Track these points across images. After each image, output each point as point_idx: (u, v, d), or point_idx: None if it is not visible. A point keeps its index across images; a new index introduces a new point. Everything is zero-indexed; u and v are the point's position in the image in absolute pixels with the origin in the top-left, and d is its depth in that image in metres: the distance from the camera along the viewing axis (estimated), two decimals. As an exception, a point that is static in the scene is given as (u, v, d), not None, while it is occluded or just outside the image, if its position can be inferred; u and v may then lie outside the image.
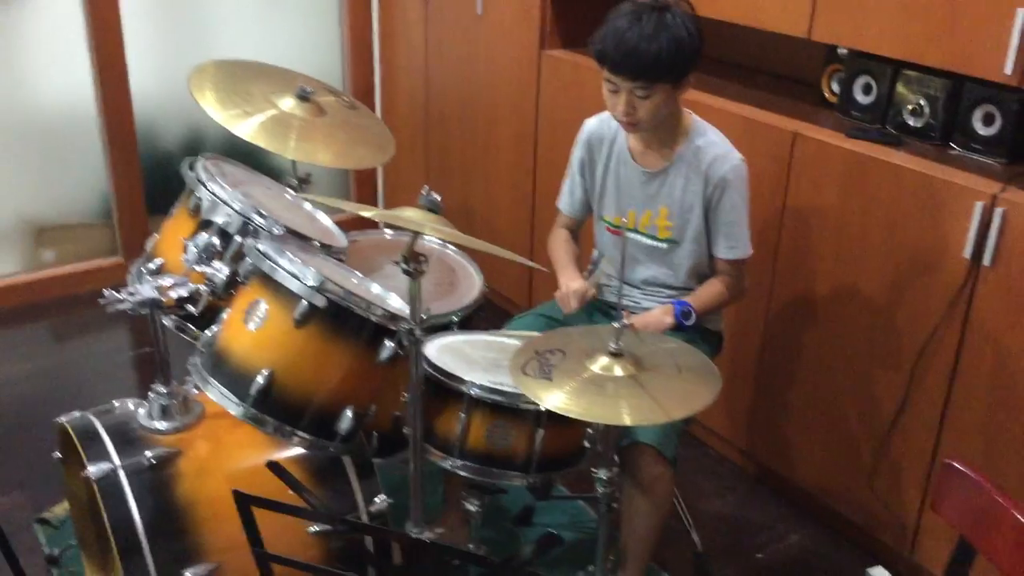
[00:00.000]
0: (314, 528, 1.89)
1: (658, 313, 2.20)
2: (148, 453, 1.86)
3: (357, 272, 2.07)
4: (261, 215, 2.04)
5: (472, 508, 2.07)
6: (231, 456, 1.94)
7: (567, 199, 2.40)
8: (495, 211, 3.58)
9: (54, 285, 3.73)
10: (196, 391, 1.98)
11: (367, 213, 1.65)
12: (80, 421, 1.96)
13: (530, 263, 1.79)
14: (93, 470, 1.82)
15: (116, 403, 2.05)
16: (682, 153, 2.18)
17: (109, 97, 3.59)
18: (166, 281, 1.90)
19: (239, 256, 1.95)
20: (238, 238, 1.99)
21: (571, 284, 2.19)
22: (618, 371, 1.73)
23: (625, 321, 1.76)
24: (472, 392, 1.92)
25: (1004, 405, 2.15)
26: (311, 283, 1.74)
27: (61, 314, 3.66)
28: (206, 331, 1.89)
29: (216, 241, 2.00)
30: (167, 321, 2.03)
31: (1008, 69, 2.00)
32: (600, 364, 1.75)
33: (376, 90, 4.15)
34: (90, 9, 3.46)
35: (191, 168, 2.14)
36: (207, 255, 1.98)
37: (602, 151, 2.29)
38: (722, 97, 2.67)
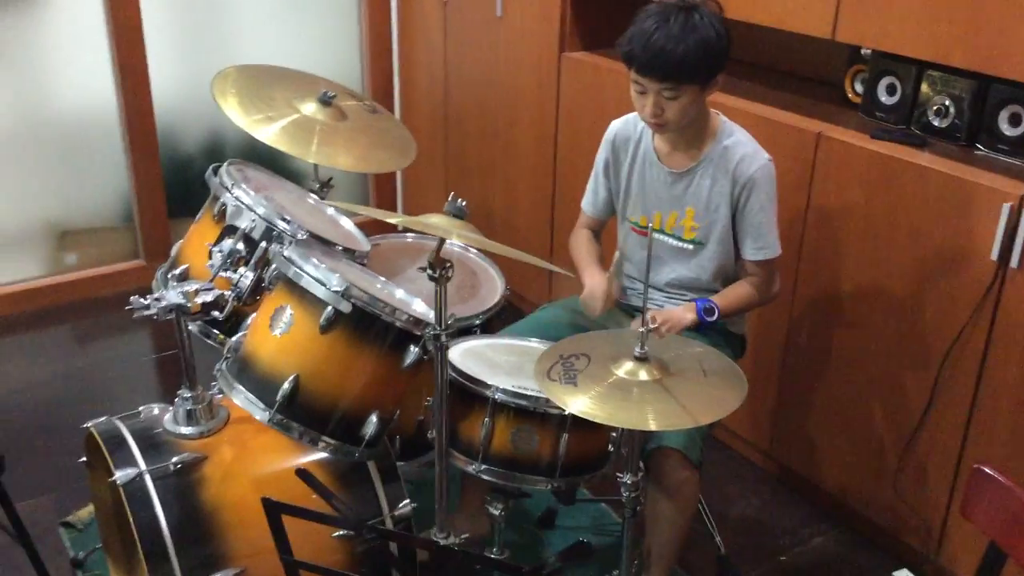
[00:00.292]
0: (338, 532, 1.89)
1: (680, 310, 2.19)
2: (174, 458, 1.86)
3: (381, 277, 2.07)
4: (285, 220, 2.04)
5: (496, 512, 2.07)
6: (256, 461, 1.94)
7: (591, 199, 2.40)
8: (515, 213, 3.58)
9: (76, 288, 3.75)
10: (221, 396, 1.98)
11: (393, 220, 1.65)
12: (106, 426, 1.97)
13: (560, 269, 1.79)
14: (120, 475, 1.83)
15: (142, 408, 2.07)
16: (709, 153, 2.17)
17: (130, 101, 3.61)
18: (191, 287, 1.90)
19: (264, 262, 1.96)
20: (263, 244, 1.99)
21: (596, 289, 2.18)
22: (644, 375, 1.73)
23: (650, 324, 1.75)
24: (496, 396, 1.92)
25: (1032, 408, 2.13)
26: (336, 289, 1.74)
27: (84, 317, 3.68)
28: (231, 337, 1.90)
29: (241, 247, 2.01)
30: (192, 326, 2.03)
31: (1037, 69, 1.98)
32: (625, 369, 1.74)
33: (395, 92, 4.16)
34: (112, 13, 3.48)
35: (215, 174, 2.15)
36: (232, 261, 1.99)
37: (628, 151, 2.28)
38: (745, 99, 2.66)
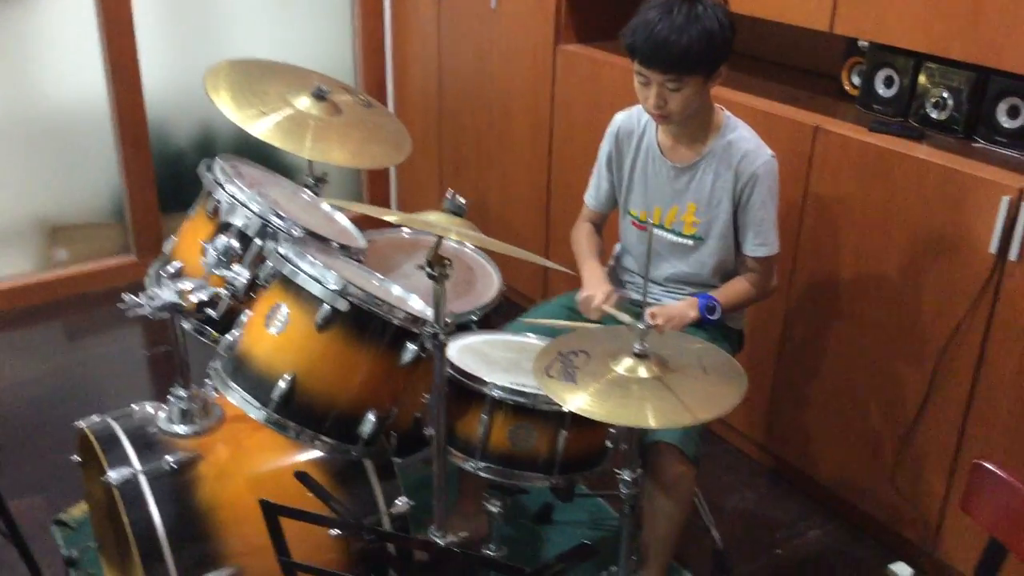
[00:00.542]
0: (335, 531, 1.88)
1: (682, 306, 2.18)
2: (168, 458, 1.85)
3: (377, 273, 2.05)
4: (280, 217, 2.02)
5: (494, 509, 2.06)
6: (252, 460, 1.93)
7: (593, 192, 2.38)
8: (510, 207, 3.56)
9: (67, 284, 3.72)
10: (215, 394, 1.97)
11: (390, 218, 1.64)
12: (99, 425, 1.95)
13: (559, 267, 1.77)
14: (114, 475, 1.81)
15: (135, 407, 2.05)
16: (712, 148, 2.16)
17: (121, 96, 3.58)
18: (186, 285, 1.89)
19: (259, 259, 1.94)
20: (257, 241, 1.97)
21: (595, 295, 2.16)
22: (643, 372, 1.71)
23: (649, 320, 1.74)
24: (494, 393, 1.91)
25: (1030, 402, 2.13)
26: (333, 287, 1.72)
27: (75, 313, 3.65)
28: (226, 335, 1.88)
29: (235, 244, 1.99)
30: (186, 324, 2.01)
31: (1035, 62, 1.97)
32: (625, 366, 1.73)
33: (388, 86, 4.13)
34: (103, 7, 3.45)
35: (208, 170, 2.13)
36: (226, 258, 1.97)
37: (631, 145, 2.27)
38: (742, 91, 2.65)
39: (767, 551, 2.58)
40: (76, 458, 2.09)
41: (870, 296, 2.40)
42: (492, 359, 2.07)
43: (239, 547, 1.85)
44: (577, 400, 1.65)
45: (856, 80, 2.61)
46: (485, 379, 1.92)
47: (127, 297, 1.85)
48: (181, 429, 1.93)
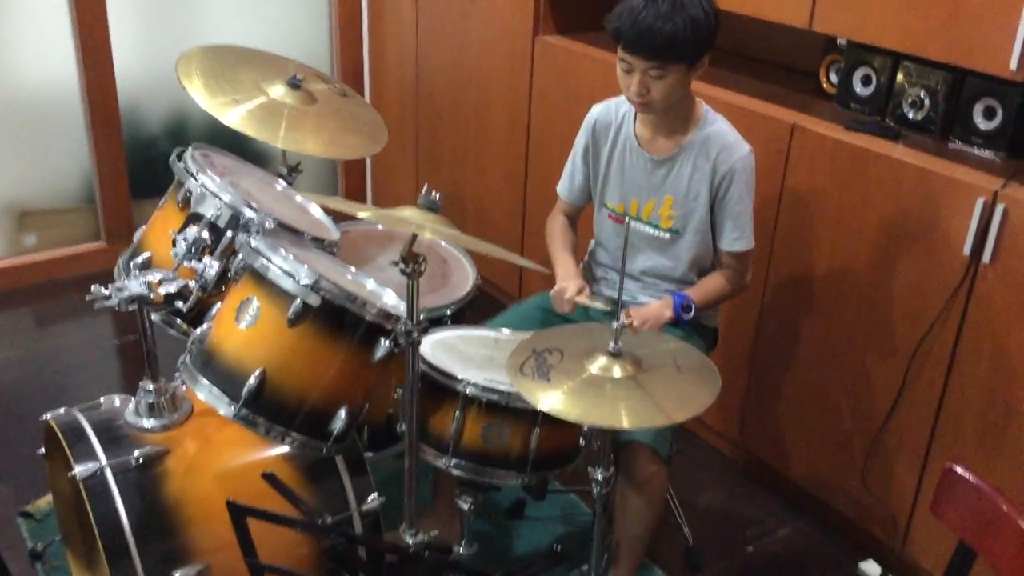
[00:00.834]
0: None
1: (657, 306, 2.17)
2: (135, 452, 1.82)
3: (351, 267, 2.03)
4: (252, 208, 1.99)
5: (465, 506, 2.04)
6: (220, 454, 1.90)
7: (567, 185, 2.37)
8: (487, 198, 3.54)
9: (37, 270, 3.66)
10: (184, 387, 1.94)
11: (364, 214, 1.61)
12: (65, 418, 1.92)
13: (535, 266, 1.76)
14: (80, 469, 1.78)
15: (103, 399, 2.02)
16: (691, 141, 2.15)
17: (92, 80, 3.52)
18: (154, 276, 1.85)
19: (230, 251, 1.91)
20: (229, 232, 1.94)
21: (568, 287, 2.15)
22: (617, 372, 1.70)
23: (624, 320, 1.73)
24: (467, 391, 1.89)
25: (1000, 403, 2.13)
26: (305, 282, 1.70)
27: (44, 300, 3.60)
28: (194, 327, 1.85)
29: (206, 235, 1.96)
30: (154, 316, 1.98)
31: (1013, 65, 1.97)
32: (599, 364, 1.71)
33: (365, 74, 4.09)
34: (73, -11, 3.39)
35: (180, 158, 2.09)
36: (196, 249, 1.93)
37: (608, 136, 2.25)
38: (720, 87, 2.64)
39: (738, 548, 2.58)
40: (42, 451, 2.05)
41: (844, 294, 2.40)
42: (466, 355, 2.05)
43: (207, 543, 1.83)
44: (550, 400, 1.64)
45: (834, 78, 2.61)
46: (458, 376, 1.91)
47: (94, 288, 1.82)
48: (149, 423, 1.90)
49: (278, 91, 2.39)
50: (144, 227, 2.13)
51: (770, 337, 2.63)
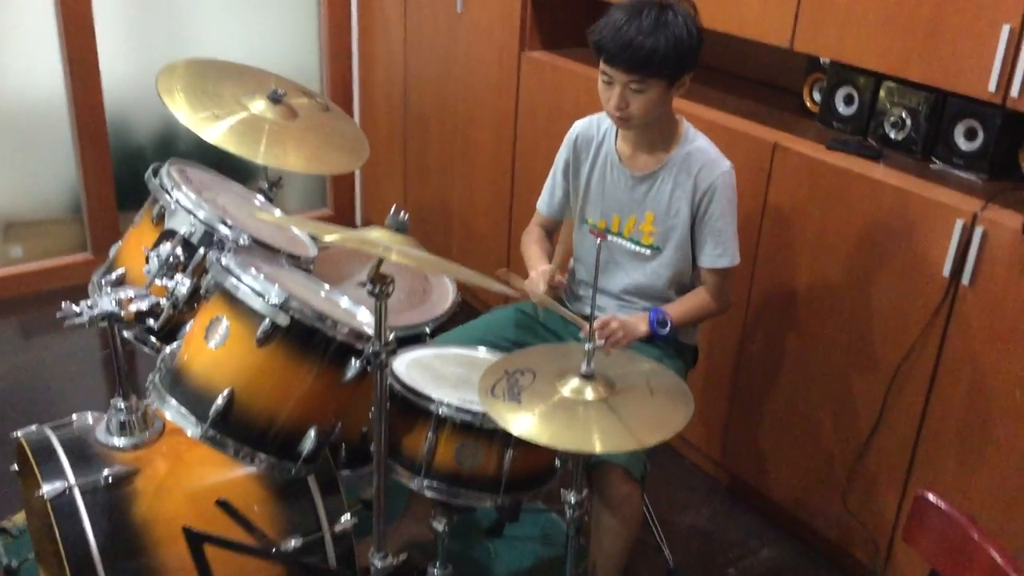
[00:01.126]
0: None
1: (633, 319, 2.16)
2: (104, 471, 1.80)
3: (326, 284, 2.01)
4: (227, 225, 1.98)
5: (439, 527, 2.03)
6: (191, 474, 1.88)
7: (546, 199, 2.36)
8: (473, 212, 3.53)
9: (22, 281, 3.65)
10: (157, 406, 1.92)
11: (330, 238, 1.59)
12: (36, 435, 1.90)
13: (507, 290, 1.74)
14: (47, 488, 1.76)
15: (75, 416, 2.00)
16: (672, 158, 2.14)
17: (79, 91, 3.51)
18: (126, 293, 1.84)
19: (202, 268, 1.90)
20: (201, 249, 1.93)
21: (539, 268, 2.16)
22: (589, 394, 1.69)
23: (599, 326, 1.72)
24: (440, 411, 1.88)
25: (978, 426, 2.12)
26: (274, 301, 1.68)
27: (29, 311, 3.58)
28: (168, 344, 1.83)
29: (179, 252, 1.94)
30: (127, 333, 1.97)
31: (992, 87, 1.96)
32: (571, 386, 1.70)
33: (354, 88, 4.08)
34: (61, 2, 3.38)
35: (155, 174, 2.08)
36: (169, 267, 1.92)
37: (589, 152, 2.25)
38: (703, 104, 2.63)
39: (719, 570, 2.56)
40: (15, 468, 2.04)
41: (825, 315, 2.39)
42: (441, 374, 2.03)
43: (175, 563, 1.80)
44: (520, 422, 1.63)
45: (817, 96, 2.60)
46: (431, 396, 1.89)
47: (64, 306, 1.81)
48: (119, 441, 1.88)
49: (259, 106, 2.39)
50: (120, 243, 2.11)
51: (753, 356, 2.62)
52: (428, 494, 1.92)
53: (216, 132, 2.26)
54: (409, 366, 2.04)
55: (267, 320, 1.69)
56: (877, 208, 2.22)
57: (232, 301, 1.72)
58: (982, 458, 2.13)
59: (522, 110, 3.18)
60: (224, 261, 1.74)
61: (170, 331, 1.96)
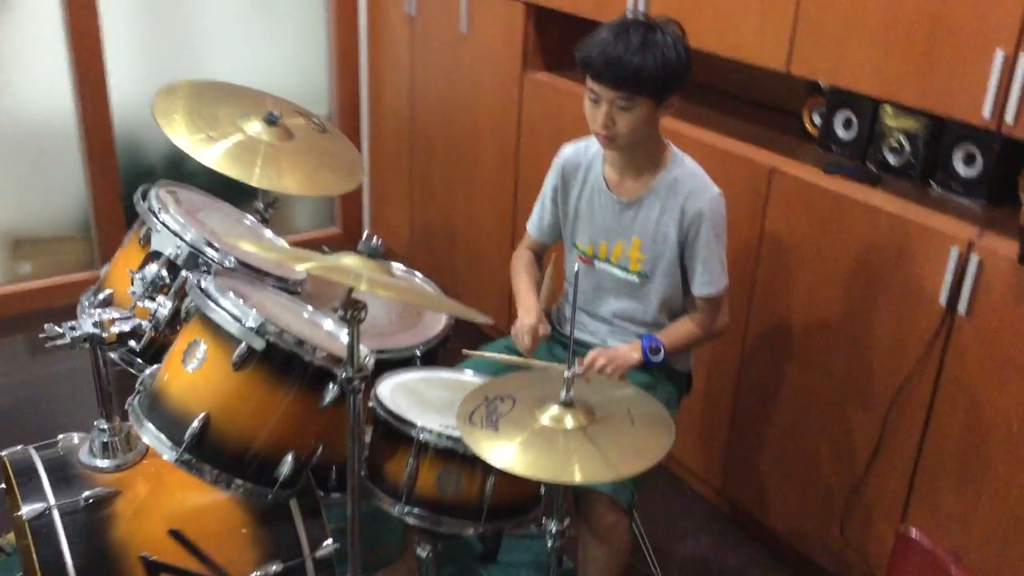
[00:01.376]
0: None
1: (625, 348, 2.13)
2: (85, 492, 1.80)
3: (309, 307, 2.00)
4: (213, 247, 1.98)
5: (423, 554, 2.00)
6: (172, 497, 1.88)
7: (536, 223, 2.34)
8: (477, 232, 3.52)
9: (31, 298, 3.68)
10: (140, 428, 1.92)
11: (302, 266, 1.58)
12: (20, 455, 1.91)
13: (482, 319, 1.72)
14: (26, 509, 1.76)
15: (61, 437, 2.00)
16: (659, 184, 2.12)
17: (88, 109, 3.55)
18: (110, 315, 1.84)
19: (184, 291, 1.90)
20: (183, 272, 1.93)
21: (525, 320, 2.13)
22: (569, 422, 1.66)
23: (577, 370, 1.70)
24: (421, 436, 1.86)
25: (976, 459, 2.07)
26: (250, 325, 1.68)
27: (37, 328, 3.55)
28: (146, 369, 1.83)
29: (165, 273, 1.95)
30: (113, 354, 1.97)
31: (986, 112, 1.92)
32: (550, 414, 1.68)
33: (363, 107, 4.10)
34: (70, 22, 3.42)
35: (144, 196, 2.09)
36: (153, 288, 1.92)
37: (577, 178, 2.23)
38: (701, 127, 2.61)
39: (716, 599, 2.53)
40: (2, 486, 2.04)
41: (822, 342, 2.35)
42: (426, 399, 2.02)
43: (153, 587, 1.80)
44: (497, 451, 1.60)
45: (817, 120, 2.57)
46: (413, 421, 1.88)
47: (47, 327, 1.82)
48: (102, 463, 1.88)
49: (255, 127, 2.39)
50: (109, 264, 2.12)
51: (752, 383, 2.58)
52: (410, 520, 1.91)
53: (211, 154, 2.26)
54: (394, 390, 2.02)
55: (243, 344, 1.68)
56: (873, 234, 2.18)
57: (209, 325, 1.71)
58: (980, 491, 2.08)
59: (524, 131, 3.17)
60: (203, 284, 1.74)
61: (155, 353, 1.96)
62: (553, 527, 1.82)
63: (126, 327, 1.83)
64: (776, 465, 2.56)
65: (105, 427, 1.89)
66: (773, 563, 2.64)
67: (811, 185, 2.30)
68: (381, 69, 3.92)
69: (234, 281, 1.86)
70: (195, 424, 1.68)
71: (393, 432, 1.90)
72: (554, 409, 1.68)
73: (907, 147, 2.28)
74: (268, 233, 2.31)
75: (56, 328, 1.81)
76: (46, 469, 1.86)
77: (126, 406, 1.82)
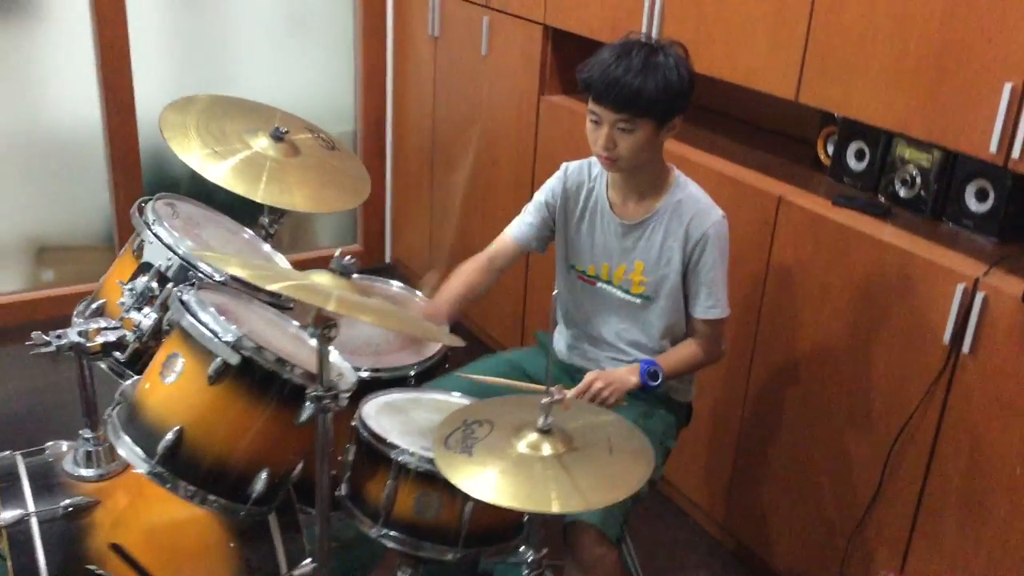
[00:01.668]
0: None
1: (623, 371, 2.09)
2: (64, 501, 1.80)
3: (295, 323, 1.99)
4: (204, 260, 1.98)
5: (403, 578, 1.98)
6: (151, 508, 1.87)
7: (516, 225, 2.25)
8: (492, 254, 3.51)
9: (53, 305, 3.73)
10: (124, 438, 1.92)
11: (273, 286, 1.57)
12: (6, 461, 1.92)
13: (456, 343, 1.70)
14: (5, 516, 1.77)
15: (50, 444, 2.01)
16: (662, 207, 2.09)
17: (114, 122, 3.60)
18: (97, 324, 1.85)
19: (168, 304, 1.90)
20: (170, 284, 1.93)
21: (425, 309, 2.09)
22: (546, 449, 1.63)
23: (556, 396, 1.66)
24: (400, 459, 1.83)
25: (979, 502, 2.00)
26: (227, 339, 1.67)
27: (59, 334, 3.64)
28: (126, 381, 1.83)
29: (154, 285, 1.95)
30: (103, 364, 1.98)
31: (993, 147, 1.86)
32: (527, 441, 1.64)
33: (388, 126, 4.11)
34: (99, 35, 3.48)
35: (141, 208, 2.10)
36: (142, 300, 1.93)
37: (580, 197, 2.20)
38: (711, 153, 2.57)
39: (711, 636, 2.46)
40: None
41: (826, 377, 2.29)
42: (411, 420, 1.99)
43: (127, 599, 1.80)
44: (468, 478, 1.57)
45: (831, 149, 2.52)
46: (394, 442, 1.85)
47: (35, 335, 1.83)
48: (84, 472, 1.88)
49: (262, 143, 2.39)
50: (105, 274, 2.13)
51: (756, 417, 2.53)
52: (388, 544, 1.87)
53: (216, 170, 2.27)
54: (381, 410, 2.00)
55: (218, 358, 1.67)
56: (879, 268, 2.12)
57: (187, 337, 1.71)
58: (982, 534, 2.00)
59: (540, 153, 3.15)
60: (184, 296, 1.74)
61: (143, 364, 1.96)
62: (529, 556, 1.78)
63: (111, 337, 1.84)
64: (779, 501, 2.49)
65: (89, 436, 1.89)
66: (773, 602, 2.57)
67: (819, 216, 2.25)
68: (405, 89, 3.94)
69: (220, 295, 1.85)
70: (169, 436, 1.67)
71: (374, 453, 1.88)
72: (532, 436, 1.65)
73: (919, 180, 2.22)
74: (266, 248, 2.31)
75: (44, 336, 1.82)
76: (29, 476, 1.87)
77: (104, 417, 1.82)
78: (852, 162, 2.38)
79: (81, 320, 1.88)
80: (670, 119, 1.99)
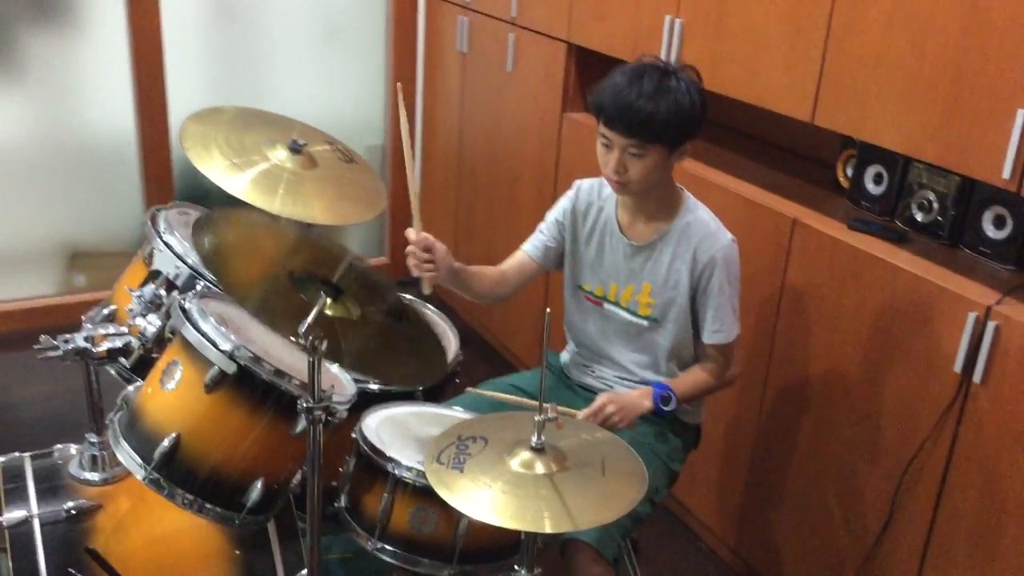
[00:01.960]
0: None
1: (636, 395, 2.08)
2: (67, 504, 1.83)
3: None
4: (213, 269, 2.00)
5: (401, 593, 1.98)
6: (152, 513, 1.90)
7: (531, 242, 2.27)
8: (514, 270, 3.51)
9: (85, 309, 3.74)
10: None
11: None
12: (14, 463, 1.96)
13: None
14: (7, 516, 1.80)
15: (58, 447, 2.05)
16: (672, 229, 2.08)
17: (147, 130, 3.67)
18: (104, 330, 1.88)
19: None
20: (175, 292, 1.96)
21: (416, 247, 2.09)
22: (539, 468, 1.62)
23: (551, 414, 1.65)
24: (396, 472, 1.84)
25: (991, 533, 1.95)
26: (224, 348, 1.69)
27: (88, 338, 3.71)
28: (129, 386, 1.86)
29: (162, 293, 1.98)
30: (111, 369, 2.01)
31: (1006, 173, 1.83)
32: (520, 459, 1.63)
33: (418, 140, 4.14)
34: (134, 45, 3.55)
35: (153, 217, 2.14)
36: (151, 307, 1.96)
37: (589, 217, 2.19)
38: (729, 173, 2.55)
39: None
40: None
41: (837, 402, 2.26)
42: (412, 434, 2.00)
43: (124, 602, 1.82)
44: (457, 494, 1.57)
45: (851, 172, 2.48)
46: (391, 456, 1.86)
47: (43, 339, 1.87)
48: (89, 476, 1.92)
49: (280, 155, 2.42)
50: (118, 281, 2.17)
51: (769, 442, 2.49)
52: (384, 558, 1.88)
53: (235, 181, 2.29)
54: (381, 423, 2.01)
55: (215, 367, 1.69)
56: (891, 294, 2.09)
57: (187, 346, 1.73)
58: (993, 567, 1.95)
59: (562, 170, 3.15)
60: (186, 304, 1.76)
61: (149, 371, 1.99)
62: (523, 575, 1.77)
63: (117, 343, 1.87)
64: (790, 526, 2.45)
65: (95, 440, 1.92)
66: (782, 631, 2.52)
67: (832, 239, 2.22)
68: (434, 104, 3.96)
69: (225, 305, 1.88)
70: (165, 443, 1.69)
71: (372, 466, 1.88)
72: (525, 454, 1.64)
73: (936, 206, 2.19)
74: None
75: (52, 340, 1.85)
76: (35, 478, 1.90)
77: (106, 421, 1.85)
78: (870, 185, 2.35)
79: (90, 325, 1.90)
80: (681, 144, 1.98)
